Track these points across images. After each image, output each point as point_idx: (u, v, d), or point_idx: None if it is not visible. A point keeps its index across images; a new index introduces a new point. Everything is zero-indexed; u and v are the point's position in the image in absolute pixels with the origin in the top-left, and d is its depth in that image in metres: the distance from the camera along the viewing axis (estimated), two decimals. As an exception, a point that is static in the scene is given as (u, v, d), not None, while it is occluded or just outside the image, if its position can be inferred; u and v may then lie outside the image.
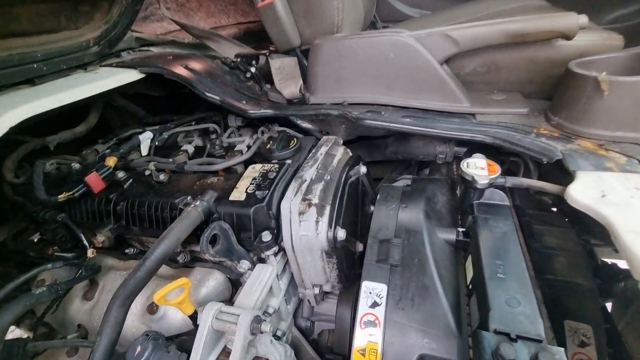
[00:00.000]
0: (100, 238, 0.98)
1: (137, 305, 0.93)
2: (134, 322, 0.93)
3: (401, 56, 1.00)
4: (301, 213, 0.81)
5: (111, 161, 1.04)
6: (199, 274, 0.95)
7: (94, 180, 0.96)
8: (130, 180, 1.04)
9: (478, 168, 0.81)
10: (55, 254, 0.99)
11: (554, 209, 1.13)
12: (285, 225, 0.81)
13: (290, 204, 0.80)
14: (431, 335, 0.64)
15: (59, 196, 0.92)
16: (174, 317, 0.93)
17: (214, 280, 0.94)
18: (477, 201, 0.83)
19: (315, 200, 0.82)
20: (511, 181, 0.80)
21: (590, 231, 1.00)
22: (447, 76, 1.01)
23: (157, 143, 1.23)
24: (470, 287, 0.70)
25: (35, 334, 0.93)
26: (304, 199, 0.82)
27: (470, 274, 0.73)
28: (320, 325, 1.14)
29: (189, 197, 0.85)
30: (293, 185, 0.85)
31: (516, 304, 0.59)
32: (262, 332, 0.69)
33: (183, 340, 0.80)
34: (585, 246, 1.00)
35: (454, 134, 0.91)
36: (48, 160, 1.11)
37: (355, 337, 0.67)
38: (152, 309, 0.93)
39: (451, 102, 1.02)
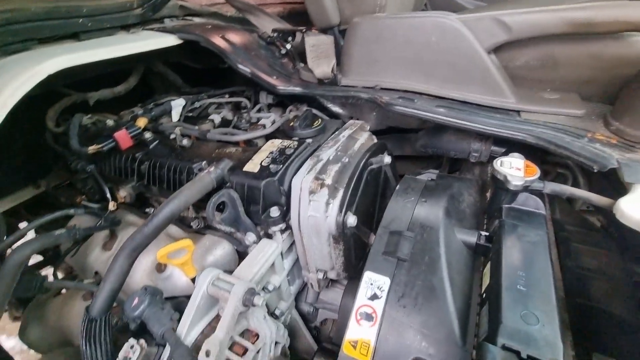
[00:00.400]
0: (122, 193, 1.02)
1: (148, 262, 0.96)
2: (143, 277, 0.96)
3: (444, 40, 0.92)
4: (312, 192, 0.77)
5: (141, 122, 1.07)
6: (208, 241, 0.95)
7: (123, 137, 1.00)
8: (156, 142, 1.07)
9: (513, 168, 0.72)
10: (83, 202, 1.05)
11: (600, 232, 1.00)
12: (294, 203, 0.79)
13: (302, 181, 0.77)
14: (431, 340, 0.58)
15: (89, 147, 0.96)
16: (180, 279, 0.94)
17: (222, 250, 0.94)
18: (508, 205, 0.74)
19: (329, 181, 0.78)
20: (551, 187, 0.70)
21: (642, 260, 0.87)
22: (494, 66, 0.91)
23: (188, 111, 1.25)
24: (484, 295, 0.63)
25: (55, 272, 0.99)
26: (316, 178, 0.78)
27: (486, 282, 0.65)
28: (324, 314, 1.12)
29: (204, 163, 0.85)
30: (308, 163, 0.82)
31: (534, 321, 0.51)
32: (254, 305, 0.67)
33: (181, 302, 0.81)
34: (633, 276, 0.87)
35: (491, 130, 0.82)
36: (87, 115, 1.17)
37: (348, 328, 0.63)
38: (160, 267, 0.95)
39: (494, 95, 0.93)
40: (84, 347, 0.65)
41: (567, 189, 0.70)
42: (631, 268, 0.88)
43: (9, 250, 0.78)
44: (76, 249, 0.96)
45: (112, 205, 0.99)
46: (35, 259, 1.23)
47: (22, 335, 1.08)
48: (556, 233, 0.87)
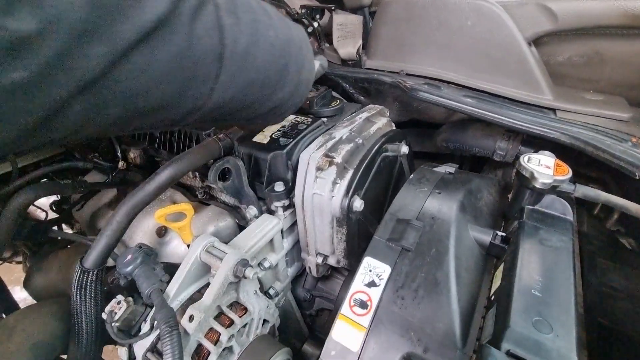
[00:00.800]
0: (132, 154, 1.02)
1: (149, 225, 0.96)
2: (143, 239, 0.96)
3: (480, 25, 0.85)
4: (319, 169, 0.73)
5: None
6: (211, 211, 0.94)
7: (139, 98, 0.99)
8: (172, 107, 1.06)
9: (542, 165, 0.65)
10: (94, 159, 1.05)
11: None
12: (299, 178, 0.75)
13: (310, 157, 0.73)
14: (427, 337, 0.53)
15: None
16: (179, 247, 0.93)
17: (223, 222, 0.92)
18: (531, 207, 0.68)
19: (338, 160, 0.74)
20: (583, 191, 0.63)
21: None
22: (533, 59, 0.83)
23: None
24: (492, 298, 0.57)
25: (59, 225, 1.00)
26: (326, 155, 0.74)
27: (497, 285, 0.60)
28: (320, 303, 1.08)
29: (213, 128, 0.83)
30: (319, 140, 0.78)
31: (547, 330, 0.46)
32: (245, 277, 0.64)
33: (174, 266, 0.79)
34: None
35: (520, 125, 0.75)
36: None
37: (340, 313, 0.59)
38: (160, 231, 0.94)
39: (529, 90, 0.85)
40: (74, 297, 0.64)
41: (602, 195, 0.62)
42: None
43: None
44: (82, 203, 0.97)
45: (121, 164, 0.99)
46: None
47: (26, 284, 1.11)
48: (581, 246, 0.80)
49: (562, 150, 0.76)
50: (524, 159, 0.67)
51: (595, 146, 0.67)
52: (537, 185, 0.62)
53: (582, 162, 0.97)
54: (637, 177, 0.60)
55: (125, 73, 0.35)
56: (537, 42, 0.87)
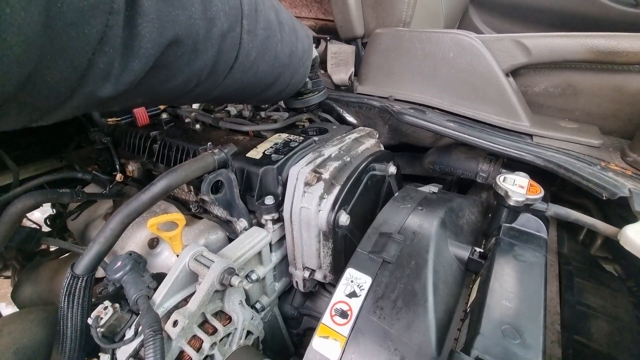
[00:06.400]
0: (130, 167, 1.06)
1: (142, 236, 0.98)
2: (134, 250, 0.97)
3: (462, 57, 0.93)
4: (307, 184, 0.77)
5: (162, 103, 1.12)
6: (203, 224, 0.96)
7: (141, 114, 1.05)
8: (172, 124, 1.11)
9: (516, 185, 0.69)
10: (94, 172, 1.09)
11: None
12: (288, 192, 0.79)
13: (299, 172, 0.77)
14: (403, 346, 0.55)
15: (109, 119, 1.01)
16: (169, 258, 0.95)
17: (214, 235, 0.94)
18: (507, 225, 0.71)
19: (326, 176, 0.78)
20: (554, 209, 0.67)
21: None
22: (510, 88, 0.90)
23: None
24: (468, 310, 0.59)
25: (52, 232, 1.02)
26: (314, 171, 0.78)
27: (473, 298, 0.62)
28: (308, 322, 1.08)
29: (210, 144, 0.87)
30: (309, 156, 0.82)
31: (515, 337, 0.47)
32: (231, 286, 0.66)
33: (163, 276, 0.80)
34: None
35: (497, 148, 0.80)
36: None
37: (321, 323, 0.61)
38: (152, 243, 0.96)
39: (507, 117, 0.91)
40: (63, 303, 0.65)
41: (572, 214, 0.66)
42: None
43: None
44: (78, 213, 0.99)
45: (118, 177, 1.02)
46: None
47: (14, 295, 1.10)
48: (560, 266, 0.82)
49: (543, 176, 0.80)
50: (499, 179, 0.71)
51: (566, 168, 0.71)
52: (511, 203, 0.66)
53: (566, 189, 1.02)
54: (604, 198, 0.64)
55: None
56: (514, 73, 0.94)
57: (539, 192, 0.67)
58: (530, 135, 0.88)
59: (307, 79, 0.89)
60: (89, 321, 0.63)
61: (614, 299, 0.73)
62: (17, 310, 1.08)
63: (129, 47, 0.39)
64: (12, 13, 0.27)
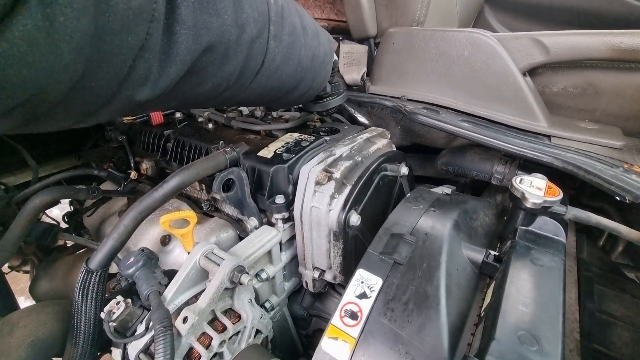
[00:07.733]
0: (145, 165, 1.08)
1: (154, 233, 0.99)
2: (147, 246, 0.99)
3: (477, 56, 0.91)
4: (318, 183, 0.77)
5: (175, 103, 1.14)
6: (214, 223, 0.97)
7: (155, 113, 1.06)
8: (185, 123, 1.13)
9: (534, 187, 0.67)
10: (109, 169, 1.11)
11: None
12: (299, 191, 0.78)
13: (310, 171, 0.77)
14: (415, 350, 0.54)
15: (125, 118, 1.03)
16: (181, 256, 0.96)
17: (225, 233, 0.95)
18: (524, 227, 0.69)
19: (337, 175, 0.77)
20: (574, 213, 0.64)
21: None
22: (527, 88, 0.87)
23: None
24: (482, 315, 0.58)
25: (70, 228, 1.04)
26: (325, 170, 0.78)
27: (487, 302, 0.60)
28: (317, 323, 1.07)
29: (222, 142, 0.88)
30: (320, 156, 0.82)
31: (532, 343, 0.46)
32: (241, 283, 0.66)
33: (174, 273, 0.81)
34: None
35: (514, 149, 0.78)
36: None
37: (330, 323, 0.60)
38: (164, 240, 0.98)
39: (524, 117, 0.89)
40: (76, 297, 0.67)
41: (593, 217, 0.63)
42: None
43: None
44: (94, 209, 1.02)
45: (133, 175, 1.04)
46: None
47: (32, 288, 1.14)
48: (579, 272, 0.79)
49: (561, 179, 0.77)
50: (516, 181, 0.69)
51: (586, 170, 0.69)
52: (528, 205, 0.64)
53: (586, 192, 0.98)
54: (627, 201, 0.61)
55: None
56: (532, 72, 0.92)
57: (558, 195, 0.64)
58: (548, 136, 0.85)
59: (327, 83, 0.90)
60: (102, 315, 0.64)
61: (637, 308, 0.70)
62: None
63: (166, 54, 0.40)
64: (65, 22, 0.28)
